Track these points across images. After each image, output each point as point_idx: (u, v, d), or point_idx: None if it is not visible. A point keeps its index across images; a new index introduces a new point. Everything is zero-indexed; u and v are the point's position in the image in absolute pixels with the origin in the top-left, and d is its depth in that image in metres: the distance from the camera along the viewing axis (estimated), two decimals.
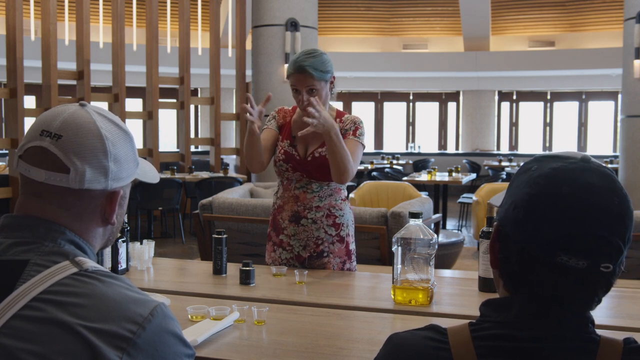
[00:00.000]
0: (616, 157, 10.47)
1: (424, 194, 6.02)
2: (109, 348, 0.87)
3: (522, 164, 1.04)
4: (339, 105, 11.34)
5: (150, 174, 1.18)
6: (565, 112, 15.07)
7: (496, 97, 15.01)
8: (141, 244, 2.51)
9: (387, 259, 3.95)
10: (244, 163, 8.70)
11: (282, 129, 2.62)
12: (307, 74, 2.43)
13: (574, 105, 14.99)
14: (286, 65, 6.90)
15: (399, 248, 2.00)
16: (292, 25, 7.17)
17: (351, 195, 2.63)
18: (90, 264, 0.96)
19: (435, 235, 2.02)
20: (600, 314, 1.91)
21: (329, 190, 2.53)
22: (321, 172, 2.49)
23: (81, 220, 1.02)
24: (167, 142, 13.64)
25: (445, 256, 5.02)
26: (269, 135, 2.61)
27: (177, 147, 11.83)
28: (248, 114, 2.34)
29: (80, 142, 0.98)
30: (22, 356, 0.86)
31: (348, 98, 15.58)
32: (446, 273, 3.81)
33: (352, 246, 2.61)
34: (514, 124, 15.29)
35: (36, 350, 0.86)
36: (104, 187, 1.01)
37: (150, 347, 0.90)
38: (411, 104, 15.62)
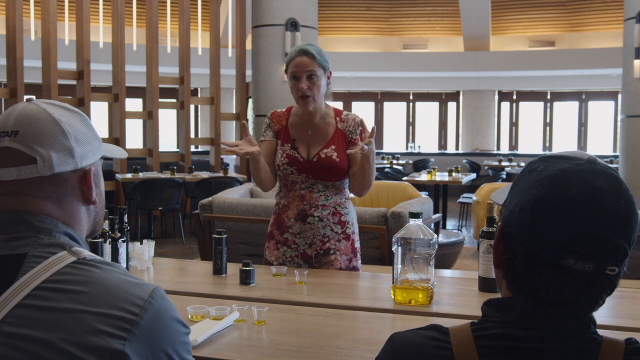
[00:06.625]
0: (616, 157, 10.46)
1: (424, 194, 6.02)
2: (114, 331, 0.89)
3: (522, 163, 1.03)
4: (339, 106, 11.33)
5: (117, 150, 1.23)
6: (565, 112, 15.08)
7: (496, 97, 15.01)
8: (141, 244, 2.50)
9: (387, 259, 3.95)
10: (244, 163, 8.70)
11: (279, 133, 2.60)
12: (309, 55, 2.45)
13: (574, 105, 14.99)
14: None
15: (399, 248, 2.00)
16: (292, 25, 7.17)
17: (351, 194, 2.64)
18: (87, 253, 0.98)
19: (435, 235, 2.02)
20: (601, 314, 1.91)
21: (334, 189, 2.55)
22: (327, 173, 2.50)
23: (64, 205, 1.03)
24: (167, 142, 13.64)
25: (445, 256, 5.02)
26: (270, 148, 2.60)
27: (177, 147, 11.84)
28: (241, 151, 2.38)
29: (38, 131, 1.00)
30: (27, 343, 0.87)
31: (348, 98, 15.58)
32: (446, 273, 3.81)
33: (357, 244, 2.62)
34: (514, 124, 15.29)
35: (41, 336, 0.87)
36: (74, 167, 1.03)
37: (153, 328, 0.93)
38: (411, 103, 15.62)
